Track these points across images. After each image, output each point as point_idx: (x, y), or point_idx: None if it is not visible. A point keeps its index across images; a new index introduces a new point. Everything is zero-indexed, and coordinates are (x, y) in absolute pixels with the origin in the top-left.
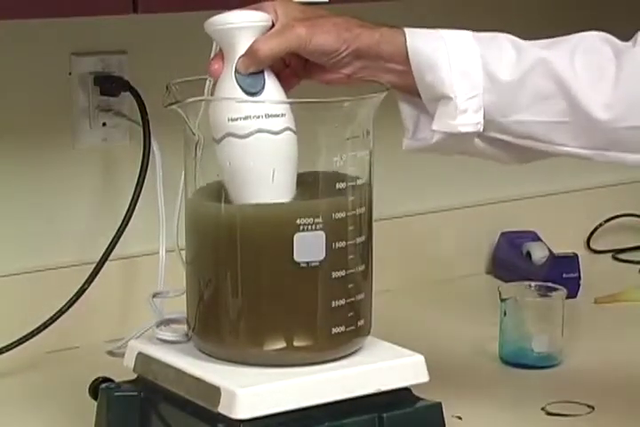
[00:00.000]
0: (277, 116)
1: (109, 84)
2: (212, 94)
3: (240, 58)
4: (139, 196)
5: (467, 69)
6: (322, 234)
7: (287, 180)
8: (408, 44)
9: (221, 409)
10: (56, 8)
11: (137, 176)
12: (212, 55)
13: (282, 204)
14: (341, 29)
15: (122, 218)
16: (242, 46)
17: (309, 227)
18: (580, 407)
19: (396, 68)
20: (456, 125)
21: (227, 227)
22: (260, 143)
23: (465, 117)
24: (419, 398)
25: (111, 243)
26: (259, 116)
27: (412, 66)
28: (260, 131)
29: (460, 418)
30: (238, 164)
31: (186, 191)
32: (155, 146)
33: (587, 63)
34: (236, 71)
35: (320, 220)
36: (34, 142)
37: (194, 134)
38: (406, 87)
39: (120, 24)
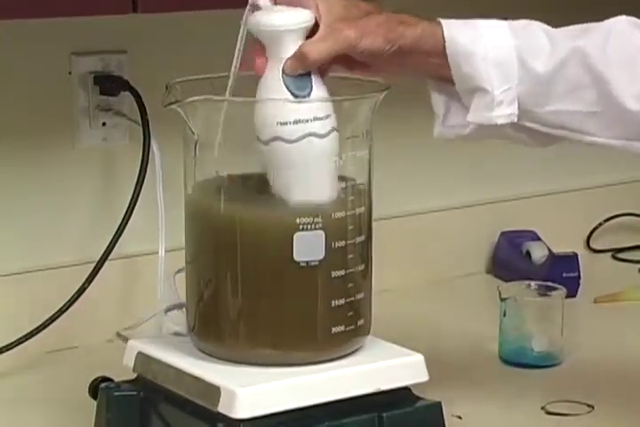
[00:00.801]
0: (325, 118)
1: (109, 84)
2: (256, 94)
3: (288, 60)
4: (138, 195)
5: (502, 61)
6: (321, 233)
7: (332, 178)
8: (445, 35)
9: (221, 409)
10: (56, 8)
11: (137, 176)
12: (238, 48)
13: (281, 203)
14: (386, 30)
15: (121, 217)
16: (288, 48)
17: (309, 226)
18: (579, 407)
19: (436, 61)
20: (492, 117)
21: (226, 227)
22: (309, 147)
23: (501, 109)
24: (418, 398)
25: (111, 242)
26: (307, 120)
27: (449, 57)
28: (309, 135)
29: (459, 418)
30: (286, 166)
31: (185, 191)
32: (154, 146)
33: (619, 53)
34: (284, 72)
35: (320, 219)
36: (34, 142)
37: (193, 134)
38: (442, 78)
39: (120, 24)
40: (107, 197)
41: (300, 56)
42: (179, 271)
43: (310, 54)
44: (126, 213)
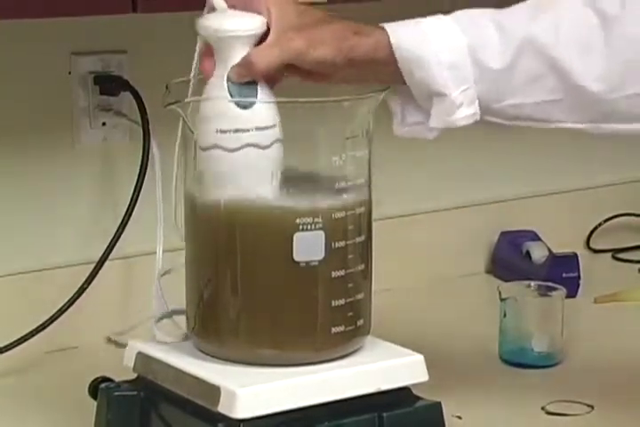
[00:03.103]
0: (268, 128)
1: (109, 84)
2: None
3: (234, 67)
4: (138, 195)
5: (455, 63)
6: (321, 233)
7: (271, 186)
8: (392, 42)
9: (221, 409)
10: (56, 8)
11: (136, 175)
12: (197, 50)
13: (281, 203)
14: (339, 39)
15: (121, 217)
16: (236, 54)
17: (309, 226)
18: (579, 407)
19: (391, 69)
20: (454, 120)
21: (226, 226)
22: (248, 158)
23: (461, 111)
24: (418, 398)
25: (111, 242)
26: (249, 130)
27: (400, 64)
28: (249, 145)
29: (459, 418)
30: (222, 175)
31: (185, 191)
32: (154, 145)
33: (572, 36)
34: (229, 80)
35: (320, 219)
36: (34, 142)
37: (193, 133)
38: (398, 83)
39: (120, 24)
40: (106, 197)
41: (246, 64)
42: (164, 274)
43: (257, 63)
44: (126, 213)
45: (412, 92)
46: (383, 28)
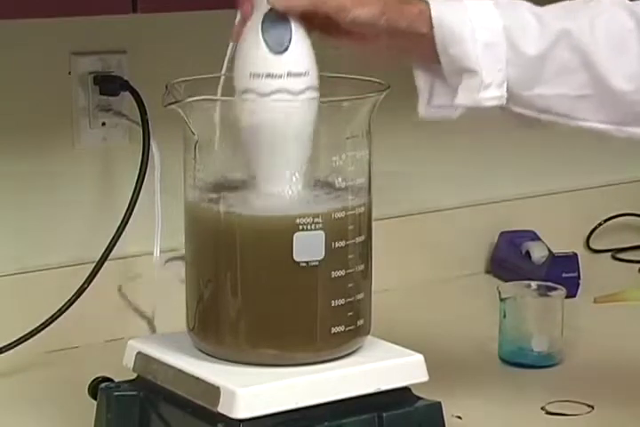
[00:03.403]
0: (301, 74)
1: (109, 84)
2: (235, 48)
3: None
4: (138, 195)
5: (491, 42)
6: (321, 233)
7: (300, 144)
8: (433, 16)
9: (221, 409)
10: (56, 8)
11: (136, 176)
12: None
13: (281, 203)
14: (384, 4)
15: (121, 217)
16: None
17: (309, 226)
18: (579, 407)
19: (426, 42)
20: (480, 99)
21: (226, 227)
22: (279, 103)
23: (489, 91)
24: (418, 398)
25: (110, 242)
26: (281, 75)
27: (437, 38)
28: (281, 90)
29: (459, 418)
30: (253, 121)
31: (185, 191)
32: (154, 146)
33: (606, 35)
34: (263, 22)
35: (320, 219)
36: (34, 142)
37: (193, 134)
38: (429, 60)
39: (119, 24)
40: (106, 197)
41: None
42: (169, 260)
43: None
44: (126, 213)
45: (442, 71)
46: (427, 2)
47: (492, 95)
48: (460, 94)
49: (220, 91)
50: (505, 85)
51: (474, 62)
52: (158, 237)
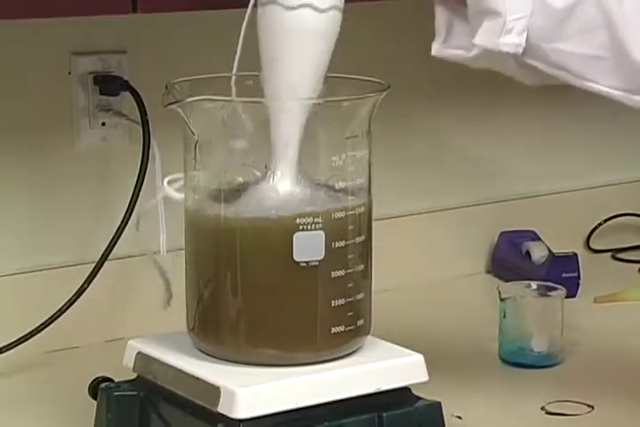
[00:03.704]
0: None
1: (109, 84)
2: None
3: None
4: (138, 195)
5: None
6: (321, 233)
7: (319, 63)
8: None
9: (221, 409)
10: (56, 8)
11: (136, 176)
12: (240, 44)
13: (281, 203)
14: None
15: (121, 217)
16: None
17: (309, 226)
18: (579, 407)
19: None
20: (499, 43)
21: (226, 227)
22: (304, 19)
23: (509, 37)
24: (418, 398)
25: (110, 242)
26: None
27: None
28: (306, 5)
29: (459, 418)
30: (275, 35)
31: (185, 192)
32: (154, 146)
33: (635, 5)
34: None
35: (319, 219)
36: (34, 142)
37: (193, 134)
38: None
39: (119, 24)
40: (106, 197)
41: None
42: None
43: None
44: (126, 213)
45: (463, 12)
46: None
47: (511, 41)
48: (480, 35)
49: (234, 90)
50: (525, 34)
51: (499, 4)
52: (163, 238)
